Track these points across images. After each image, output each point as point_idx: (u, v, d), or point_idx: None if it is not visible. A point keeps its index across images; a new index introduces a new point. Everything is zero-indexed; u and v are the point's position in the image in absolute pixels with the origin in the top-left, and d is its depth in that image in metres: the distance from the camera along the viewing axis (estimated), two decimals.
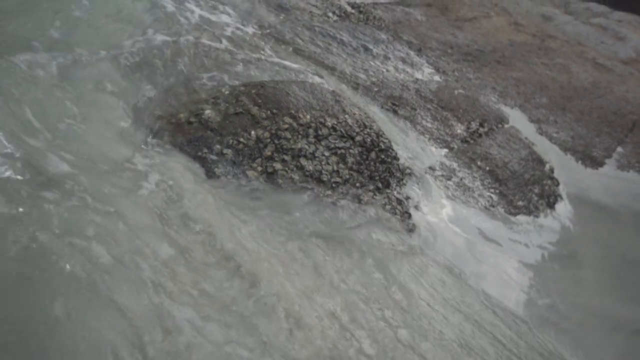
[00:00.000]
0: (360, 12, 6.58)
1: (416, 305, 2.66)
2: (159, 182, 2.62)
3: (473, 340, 2.61)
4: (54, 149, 2.42)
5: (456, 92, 5.33)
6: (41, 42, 3.22)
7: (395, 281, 2.75)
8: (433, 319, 2.62)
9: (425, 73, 5.56)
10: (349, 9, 6.52)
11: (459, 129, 4.68)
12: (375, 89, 4.76)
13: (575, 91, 6.30)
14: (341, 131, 3.67)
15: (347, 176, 3.43)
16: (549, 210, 4.12)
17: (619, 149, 5.35)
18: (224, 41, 4.36)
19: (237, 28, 4.69)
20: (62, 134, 2.60)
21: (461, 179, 4.03)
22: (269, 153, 3.31)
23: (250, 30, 4.79)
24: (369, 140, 3.71)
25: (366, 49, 5.53)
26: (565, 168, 4.74)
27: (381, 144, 3.76)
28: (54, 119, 2.65)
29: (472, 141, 4.59)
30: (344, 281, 2.60)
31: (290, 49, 4.87)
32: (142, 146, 2.96)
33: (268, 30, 5.00)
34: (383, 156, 3.70)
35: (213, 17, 4.63)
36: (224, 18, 4.75)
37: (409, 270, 2.88)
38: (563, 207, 4.23)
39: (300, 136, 3.47)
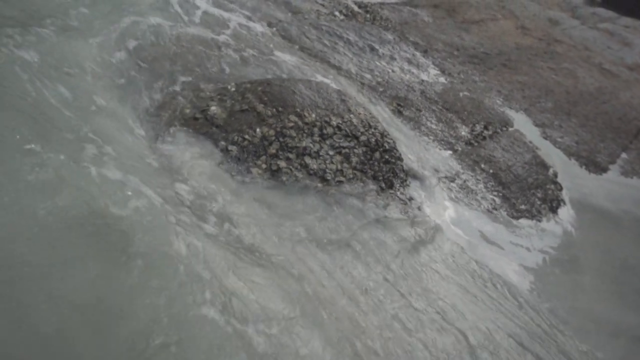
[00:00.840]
0: (367, 11, 6.58)
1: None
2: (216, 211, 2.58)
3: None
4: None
5: (461, 94, 5.33)
6: (42, 39, 3.20)
7: (403, 284, 2.77)
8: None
9: (430, 74, 5.56)
10: (355, 8, 6.52)
11: (464, 131, 4.69)
12: (381, 89, 4.77)
13: (580, 96, 6.29)
14: (346, 130, 3.68)
15: (351, 175, 3.44)
16: (551, 215, 4.12)
17: (623, 155, 5.35)
18: (230, 38, 4.37)
19: (244, 25, 4.70)
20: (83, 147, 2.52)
21: (464, 182, 4.03)
22: (273, 151, 3.32)
23: (257, 27, 4.80)
24: (373, 140, 3.72)
25: (372, 48, 5.53)
26: (568, 173, 4.74)
27: (385, 144, 3.77)
28: (77, 131, 2.58)
29: (476, 144, 4.59)
30: (358, 286, 2.62)
31: (297, 47, 4.88)
32: (157, 144, 2.98)
33: (275, 28, 5.01)
34: (387, 156, 3.71)
35: (220, 14, 4.64)
36: (231, 15, 4.76)
37: (413, 269, 2.90)
38: (565, 212, 4.23)
39: (305, 135, 3.49)
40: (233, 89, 3.72)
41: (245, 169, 3.13)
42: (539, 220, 4.02)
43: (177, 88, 3.57)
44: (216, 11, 4.63)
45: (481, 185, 4.08)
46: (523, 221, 3.93)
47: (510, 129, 5.05)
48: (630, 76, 7.43)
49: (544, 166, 4.64)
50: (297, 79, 4.15)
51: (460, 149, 4.43)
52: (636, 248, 4.11)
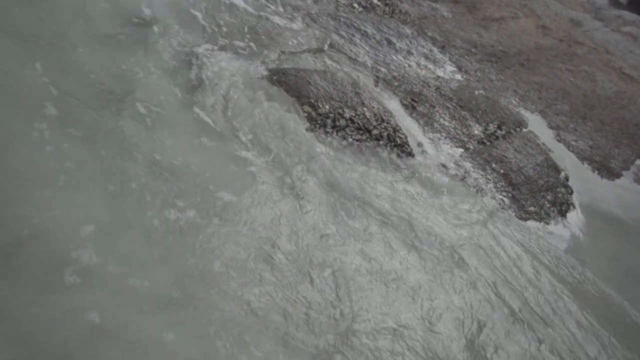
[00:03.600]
0: (386, 4, 6.53)
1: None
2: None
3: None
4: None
5: (477, 92, 5.30)
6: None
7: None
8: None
9: (447, 71, 5.53)
10: (375, 0, 6.48)
11: (477, 130, 4.68)
12: (396, 84, 4.76)
13: (598, 100, 6.21)
14: (358, 123, 3.70)
15: None
16: (559, 218, 4.11)
17: (638, 161, 5.29)
18: (245, 28, 4.39)
19: (261, 14, 4.71)
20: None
21: (474, 180, 4.04)
22: None
23: (273, 17, 4.81)
24: (385, 134, 3.74)
25: (389, 42, 5.51)
26: (580, 177, 4.71)
27: (397, 139, 3.78)
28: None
29: (488, 143, 4.58)
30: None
31: (314, 37, 4.88)
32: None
33: (292, 18, 5.01)
34: (398, 151, 3.72)
35: (234, 1, 4.65)
36: (246, 4, 4.76)
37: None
38: (574, 216, 4.22)
39: (318, 125, 3.52)
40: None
41: None
42: (547, 223, 4.01)
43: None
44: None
45: (491, 185, 4.08)
46: (531, 223, 3.93)
47: (524, 130, 5.02)
48: None
49: (556, 169, 4.62)
50: (312, 69, 4.17)
51: (472, 147, 4.42)
52: None
